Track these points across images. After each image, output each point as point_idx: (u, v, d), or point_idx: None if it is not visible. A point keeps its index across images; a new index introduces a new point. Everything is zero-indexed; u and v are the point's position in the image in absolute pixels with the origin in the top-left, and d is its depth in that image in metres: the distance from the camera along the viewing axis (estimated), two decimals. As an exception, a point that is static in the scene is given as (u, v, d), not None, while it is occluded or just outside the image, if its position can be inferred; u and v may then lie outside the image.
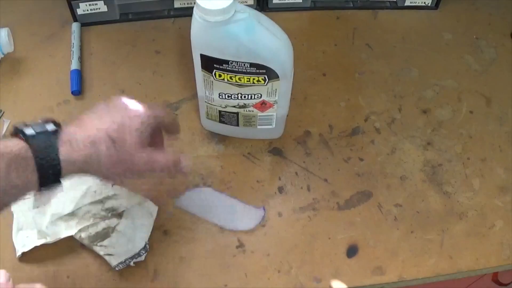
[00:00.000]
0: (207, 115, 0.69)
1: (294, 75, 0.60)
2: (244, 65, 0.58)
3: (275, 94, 0.63)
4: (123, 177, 0.49)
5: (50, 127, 0.45)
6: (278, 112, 0.66)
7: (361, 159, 0.71)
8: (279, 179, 0.69)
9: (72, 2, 0.79)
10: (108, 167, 0.47)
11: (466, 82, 0.80)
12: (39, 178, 0.44)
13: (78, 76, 0.76)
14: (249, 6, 0.86)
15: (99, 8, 0.82)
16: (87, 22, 0.83)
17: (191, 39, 0.57)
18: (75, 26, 0.82)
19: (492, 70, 0.82)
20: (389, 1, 0.90)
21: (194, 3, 0.53)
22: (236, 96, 0.63)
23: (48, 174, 0.44)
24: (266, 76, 0.60)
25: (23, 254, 0.60)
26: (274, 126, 0.69)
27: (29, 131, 0.44)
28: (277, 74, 0.59)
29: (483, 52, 0.85)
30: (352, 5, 0.89)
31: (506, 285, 0.92)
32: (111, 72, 0.79)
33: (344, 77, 0.80)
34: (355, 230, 0.65)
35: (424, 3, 0.89)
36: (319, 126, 0.74)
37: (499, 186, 0.69)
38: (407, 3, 0.89)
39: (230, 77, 0.60)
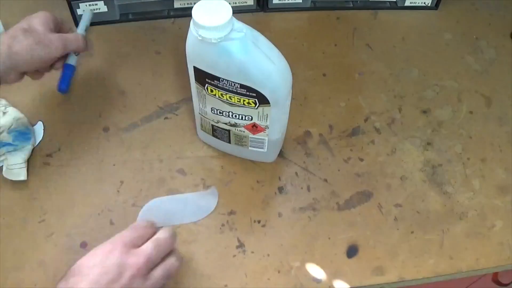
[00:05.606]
0: (201, 127, 0.68)
1: (294, 77, 0.59)
2: (235, 85, 0.55)
3: (266, 119, 0.60)
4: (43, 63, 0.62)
5: None
6: (270, 137, 0.63)
7: (361, 159, 0.71)
8: (279, 179, 0.69)
9: (72, 2, 0.79)
10: (30, 51, 0.59)
11: (466, 82, 0.80)
12: None
13: (70, 72, 0.68)
14: (249, 6, 0.87)
15: (99, 8, 0.82)
16: (87, 22, 0.83)
17: (186, 49, 0.56)
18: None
19: (492, 70, 0.82)
20: (389, 1, 0.90)
21: (194, 4, 0.53)
22: (227, 113, 0.61)
23: None
24: (256, 99, 0.57)
25: None
26: (265, 150, 0.66)
27: None
28: (267, 99, 0.56)
29: (483, 52, 0.85)
30: (352, 5, 0.89)
31: (506, 285, 0.92)
32: (111, 72, 0.79)
33: (344, 77, 0.80)
34: (355, 230, 0.65)
35: (424, 3, 0.89)
36: (319, 126, 0.74)
37: (499, 186, 0.69)
38: (407, 3, 0.89)
39: (221, 94, 0.57)
